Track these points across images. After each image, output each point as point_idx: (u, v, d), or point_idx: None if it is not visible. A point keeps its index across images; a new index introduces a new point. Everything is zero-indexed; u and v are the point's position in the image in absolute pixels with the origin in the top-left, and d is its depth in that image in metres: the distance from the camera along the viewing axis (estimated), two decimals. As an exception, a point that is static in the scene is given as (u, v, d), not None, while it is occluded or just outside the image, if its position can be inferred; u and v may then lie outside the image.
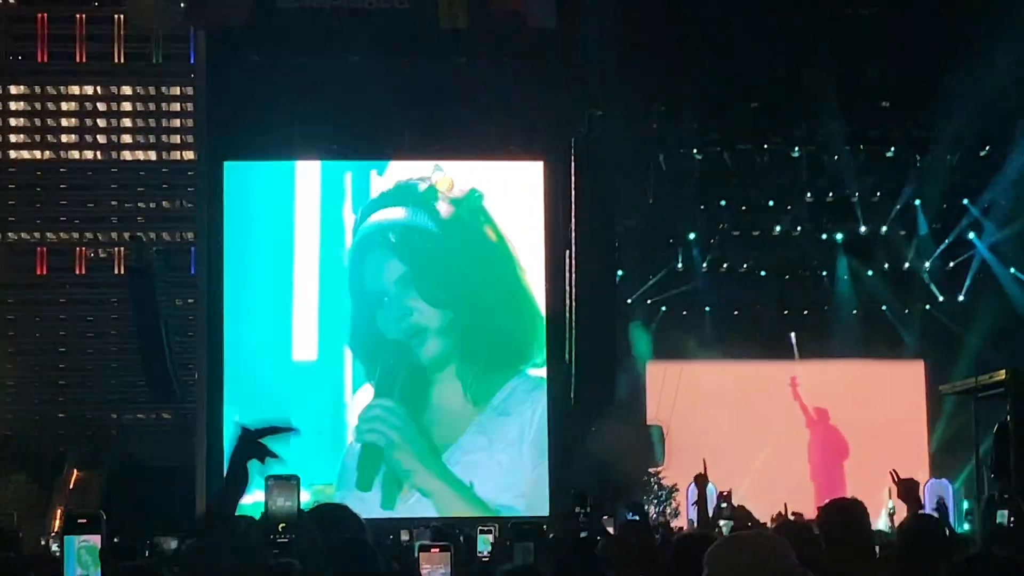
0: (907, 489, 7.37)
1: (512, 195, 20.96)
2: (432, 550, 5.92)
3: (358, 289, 20.65)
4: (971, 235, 22.60)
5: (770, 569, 3.55)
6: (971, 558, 4.11)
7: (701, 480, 9.17)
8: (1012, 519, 10.59)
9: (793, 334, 23.58)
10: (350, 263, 20.73)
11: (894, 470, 7.75)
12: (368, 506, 18.80)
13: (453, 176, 20.68)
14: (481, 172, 21.02)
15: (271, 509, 5.69)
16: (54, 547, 10.29)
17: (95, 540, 5.45)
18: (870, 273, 23.43)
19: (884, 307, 23.55)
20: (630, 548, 6.09)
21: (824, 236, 23.16)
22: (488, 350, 20.68)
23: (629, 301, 22.36)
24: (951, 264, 23.09)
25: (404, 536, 14.49)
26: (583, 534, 9.24)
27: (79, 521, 5.54)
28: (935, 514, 9.97)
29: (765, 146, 21.70)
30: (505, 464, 20.46)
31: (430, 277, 20.67)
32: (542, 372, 20.72)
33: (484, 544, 10.29)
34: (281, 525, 5.61)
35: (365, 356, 20.54)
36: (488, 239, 20.79)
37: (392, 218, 20.68)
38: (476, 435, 20.49)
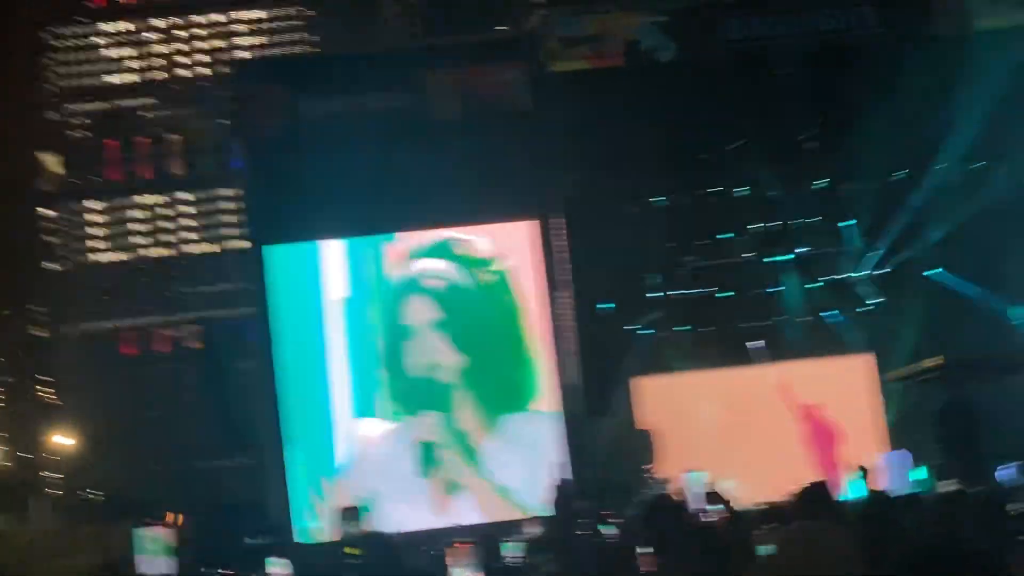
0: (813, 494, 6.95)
1: (517, 252, 20.77)
2: (458, 545, 5.64)
3: (390, 322, 20.39)
4: (895, 246, 22.41)
5: (837, 560, 3.23)
6: (922, 549, 3.77)
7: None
8: (955, 486, 10.33)
9: (754, 344, 23.29)
10: (390, 299, 20.49)
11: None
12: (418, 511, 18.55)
13: (486, 243, 20.60)
14: (496, 235, 20.78)
15: (346, 535, 5.44)
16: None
17: (163, 532, 5.09)
18: (814, 286, 23.19)
19: (828, 312, 23.28)
20: None
21: (771, 259, 22.97)
22: (496, 391, 20.40)
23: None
24: (882, 272, 22.85)
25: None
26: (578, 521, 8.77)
27: (147, 520, 5.17)
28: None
29: (716, 189, 21.53)
30: (524, 472, 20.19)
31: (457, 324, 20.40)
32: (543, 406, 20.34)
33: (508, 549, 10.00)
34: (349, 549, 5.37)
35: (393, 386, 20.29)
36: (506, 296, 20.66)
37: (434, 269, 20.59)
38: (493, 453, 20.17)
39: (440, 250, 20.59)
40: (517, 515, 19.52)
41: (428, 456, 19.99)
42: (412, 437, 20.09)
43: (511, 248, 20.78)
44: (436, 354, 20.30)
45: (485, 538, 10.98)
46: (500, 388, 20.45)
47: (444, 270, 20.57)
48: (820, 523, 4.04)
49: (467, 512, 19.57)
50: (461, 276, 20.50)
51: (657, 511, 5.90)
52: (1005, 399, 19.95)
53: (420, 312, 20.45)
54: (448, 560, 5.21)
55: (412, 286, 20.57)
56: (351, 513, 4.93)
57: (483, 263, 20.50)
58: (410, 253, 20.62)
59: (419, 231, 20.88)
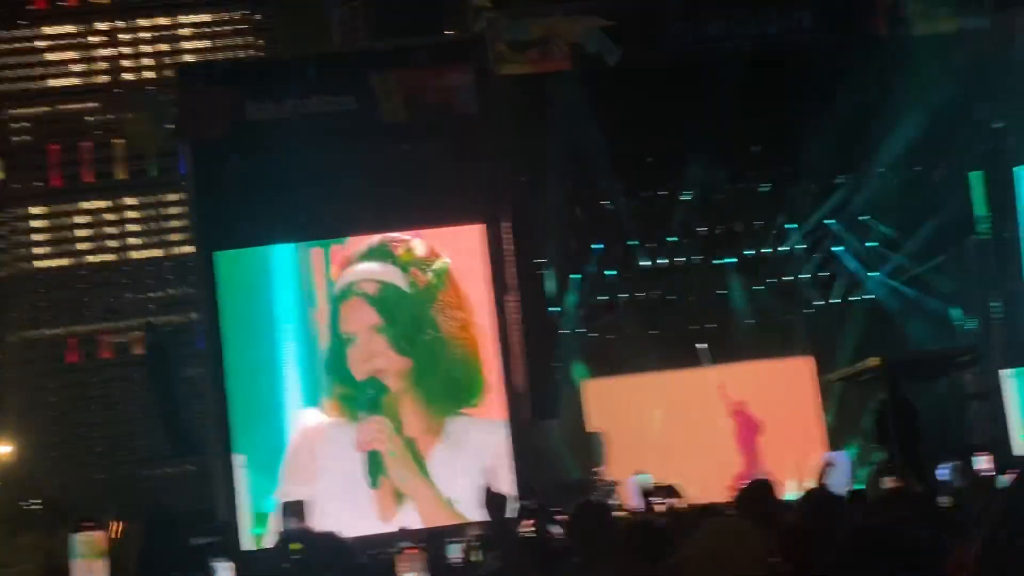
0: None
1: (463, 256, 20.79)
2: (408, 550, 5.74)
3: (335, 330, 20.35)
4: (837, 248, 22.70)
5: (748, 554, 3.34)
6: (857, 530, 3.90)
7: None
8: (896, 483, 10.55)
9: (700, 345, 23.51)
10: (333, 307, 20.39)
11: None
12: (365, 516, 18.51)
13: (423, 245, 20.41)
14: (442, 238, 20.77)
15: (287, 531, 5.48)
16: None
17: (95, 536, 5.11)
18: (759, 288, 23.46)
19: (773, 314, 23.55)
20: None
21: (717, 261, 23.18)
22: (441, 391, 20.39)
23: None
24: (824, 274, 23.15)
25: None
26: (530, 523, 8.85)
27: (83, 524, 5.18)
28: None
29: (661, 193, 21.70)
30: (470, 479, 20.19)
31: (398, 328, 20.38)
32: (486, 410, 20.41)
33: (454, 551, 10.08)
34: (294, 546, 5.41)
35: (341, 393, 20.25)
36: (448, 297, 20.52)
37: (371, 273, 20.39)
38: (439, 459, 20.20)
39: (377, 253, 20.46)
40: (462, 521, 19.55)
41: (374, 465, 19.89)
42: (358, 445, 19.97)
43: (458, 251, 20.80)
44: (378, 358, 20.21)
45: (431, 539, 11.07)
46: (445, 392, 20.37)
47: (381, 273, 20.45)
48: (738, 520, 4.16)
49: (413, 521, 19.46)
50: (399, 279, 20.35)
51: (583, 511, 5.99)
52: (944, 398, 20.33)
53: (359, 317, 20.34)
54: (398, 565, 5.31)
55: (350, 291, 20.45)
56: (294, 508, 4.96)
57: (422, 264, 20.36)
58: (352, 258, 20.52)
59: (368, 235, 20.83)
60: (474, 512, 19.43)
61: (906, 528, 3.63)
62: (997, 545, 2.42)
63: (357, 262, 20.48)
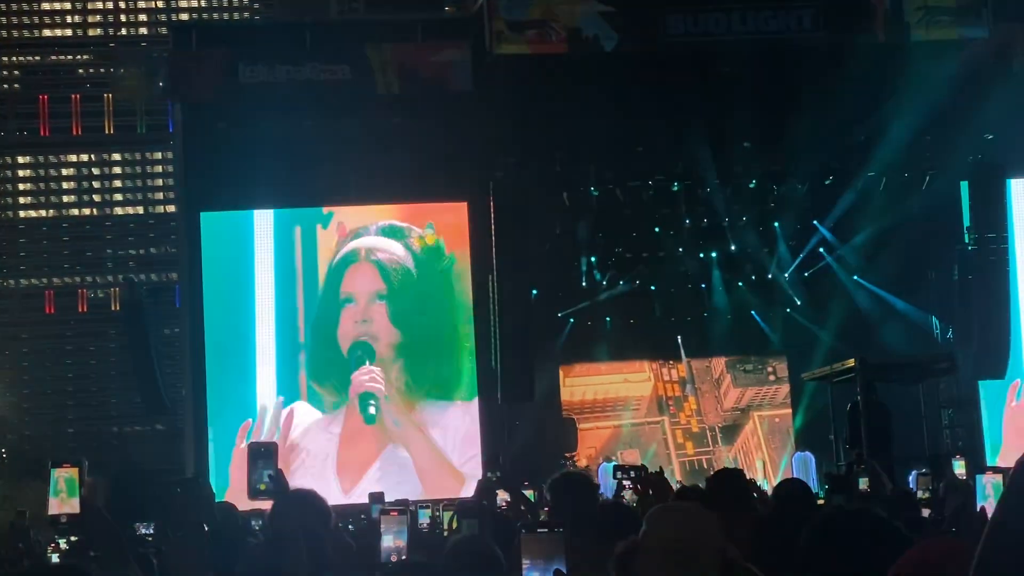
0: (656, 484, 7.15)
1: (450, 235, 20.83)
2: (391, 513, 5.90)
3: (334, 292, 20.44)
4: (820, 249, 22.74)
5: (698, 537, 3.35)
6: (827, 515, 3.99)
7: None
8: (870, 484, 10.53)
9: (680, 337, 23.57)
10: (336, 269, 20.50)
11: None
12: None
13: (438, 239, 20.72)
14: (439, 216, 20.84)
15: (252, 477, 5.44)
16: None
17: (73, 472, 5.07)
18: (740, 284, 23.48)
19: (752, 312, 23.61)
20: None
21: (701, 255, 23.19)
22: (424, 378, 20.52)
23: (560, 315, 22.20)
24: (806, 274, 23.18)
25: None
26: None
27: (62, 463, 5.15)
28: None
29: (650, 183, 21.66)
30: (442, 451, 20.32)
31: (398, 302, 20.45)
32: (467, 392, 20.54)
33: (424, 516, 10.15)
34: (261, 486, 5.36)
35: (324, 356, 20.32)
36: (449, 284, 20.74)
37: (387, 246, 20.62)
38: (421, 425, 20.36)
39: (393, 232, 20.64)
40: (450, 480, 19.72)
41: (370, 403, 20.01)
42: (352, 389, 20.04)
43: (442, 229, 20.83)
44: (372, 324, 20.33)
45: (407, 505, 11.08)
46: (429, 379, 20.50)
47: (394, 249, 20.60)
48: (692, 504, 4.19)
49: (404, 471, 19.62)
50: (409, 261, 20.57)
51: (568, 488, 6.03)
52: (920, 405, 20.40)
53: (364, 281, 20.44)
54: (383, 525, 5.39)
55: (358, 255, 20.55)
56: (263, 449, 4.94)
57: (434, 256, 20.62)
58: (359, 231, 20.60)
59: (354, 206, 20.85)
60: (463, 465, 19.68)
61: (869, 512, 3.77)
62: (1007, 528, 2.42)
63: (371, 234, 20.61)
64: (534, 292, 21.24)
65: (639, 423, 23.37)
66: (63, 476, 4.92)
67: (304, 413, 20.18)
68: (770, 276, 23.29)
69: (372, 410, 20.00)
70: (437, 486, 19.49)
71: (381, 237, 20.69)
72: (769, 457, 23.28)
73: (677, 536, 3.41)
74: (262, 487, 5.38)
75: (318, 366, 20.35)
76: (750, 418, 23.54)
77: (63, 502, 4.88)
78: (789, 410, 23.33)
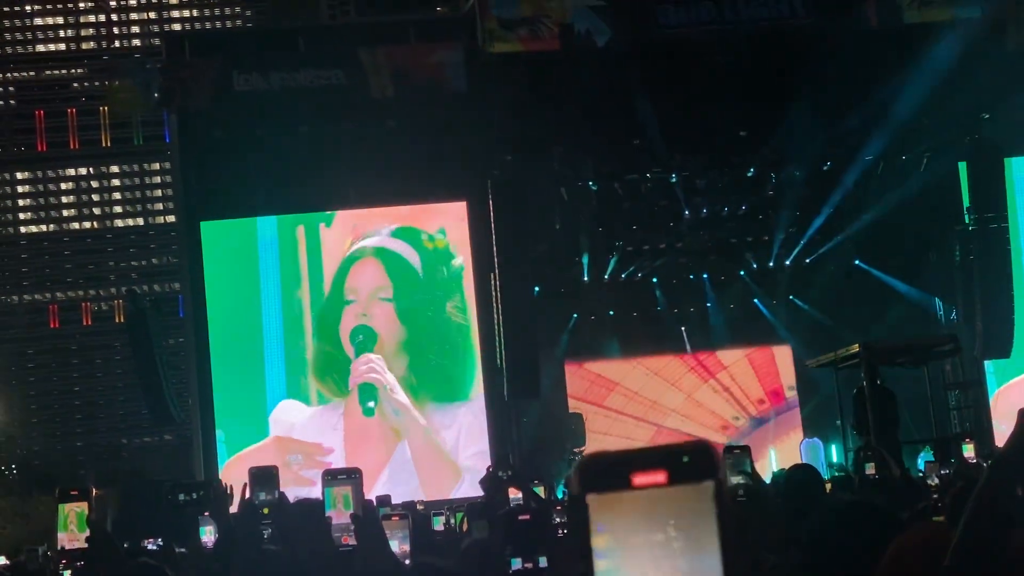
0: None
1: (452, 234, 20.83)
2: (392, 518, 5.90)
3: (339, 289, 20.44)
4: (820, 236, 22.69)
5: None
6: (833, 506, 4.00)
7: None
8: (877, 469, 10.53)
9: (684, 329, 23.52)
10: (342, 267, 20.53)
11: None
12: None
13: (448, 242, 20.74)
14: (444, 216, 20.82)
15: (259, 499, 5.46)
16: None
17: (83, 506, 5.08)
18: (742, 274, 23.45)
19: (755, 300, 23.57)
20: None
21: (700, 247, 23.14)
22: (427, 365, 20.52)
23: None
24: (807, 261, 23.14)
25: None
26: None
27: (71, 493, 5.16)
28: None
29: (648, 175, 21.64)
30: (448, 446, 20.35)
31: (403, 300, 20.50)
32: (473, 389, 20.52)
33: (437, 522, 10.17)
34: (265, 510, 5.40)
35: (328, 357, 20.31)
36: (456, 285, 20.75)
37: (395, 246, 20.66)
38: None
39: (403, 233, 20.66)
40: (450, 473, 19.70)
41: (370, 395, 20.00)
42: (352, 380, 20.05)
43: (449, 231, 20.87)
44: (376, 319, 20.37)
45: (413, 510, 11.07)
46: (432, 365, 20.51)
47: (402, 249, 20.64)
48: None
49: (404, 463, 19.62)
50: (417, 263, 20.59)
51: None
52: (927, 387, 20.37)
53: (368, 278, 20.45)
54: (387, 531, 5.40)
55: (366, 252, 20.58)
56: (264, 475, 4.95)
57: (443, 259, 20.64)
58: (367, 232, 20.60)
59: (352, 209, 20.86)
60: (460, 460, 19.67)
61: (870, 501, 3.80)
62: (979, 522, 2.40)
63: (382, 235, 20.64)
64: (536, 289, 21.22)
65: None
66: (73, 511, 4.92)
67: (292, 410, 20.20)
68: (771, 264, 23.25)
69: (371, 404, 20.00)
70: (433, 480, 19.54)
71: (389, 237, 20.73)
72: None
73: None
74: (265, 518, 5.39)
75: (324, 366, 20.35)
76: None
77: (72, 536, 4.88)
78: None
